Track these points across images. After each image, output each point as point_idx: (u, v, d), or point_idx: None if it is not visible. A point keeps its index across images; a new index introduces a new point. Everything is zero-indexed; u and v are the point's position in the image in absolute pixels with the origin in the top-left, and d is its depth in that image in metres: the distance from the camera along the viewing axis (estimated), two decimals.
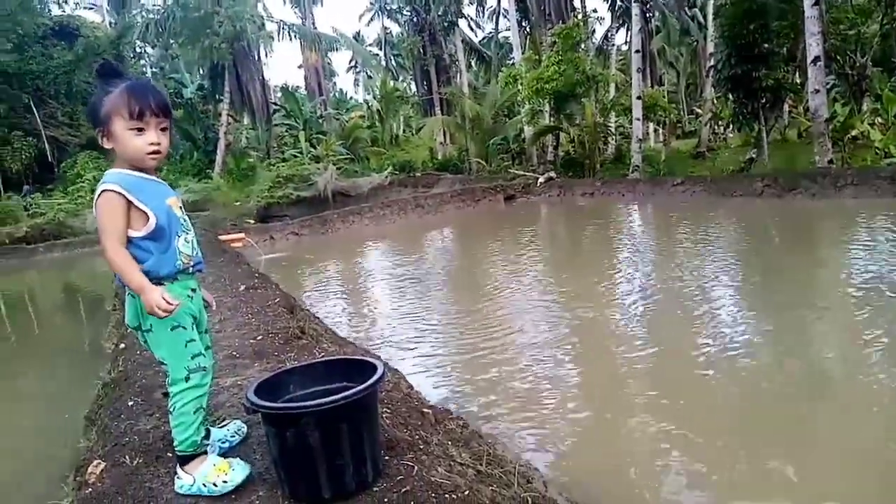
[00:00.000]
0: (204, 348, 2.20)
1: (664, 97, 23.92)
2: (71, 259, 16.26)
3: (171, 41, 28.09)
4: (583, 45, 20.48)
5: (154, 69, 36.31)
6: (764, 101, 15.12)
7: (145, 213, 2.02)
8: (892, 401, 3.64)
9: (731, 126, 20.82)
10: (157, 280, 2.05)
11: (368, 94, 47.70)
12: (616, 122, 24.76)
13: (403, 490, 2.04)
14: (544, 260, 9.80)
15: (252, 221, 18.10)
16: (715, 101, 22.97)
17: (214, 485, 2.07)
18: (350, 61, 54.07)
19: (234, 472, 2.11)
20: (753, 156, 16.16)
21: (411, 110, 41.86)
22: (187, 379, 2.10)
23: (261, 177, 21.29)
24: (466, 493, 2.11)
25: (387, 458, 2.26)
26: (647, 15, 25.78)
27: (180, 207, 2.19)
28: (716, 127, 25.13)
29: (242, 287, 5.99)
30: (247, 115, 31.20)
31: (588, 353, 4.95)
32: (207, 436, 2.32)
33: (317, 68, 33.68)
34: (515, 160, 24.82)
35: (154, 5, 29.33)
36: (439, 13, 30.21)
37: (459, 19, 32.18)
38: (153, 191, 2.09)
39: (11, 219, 19.66)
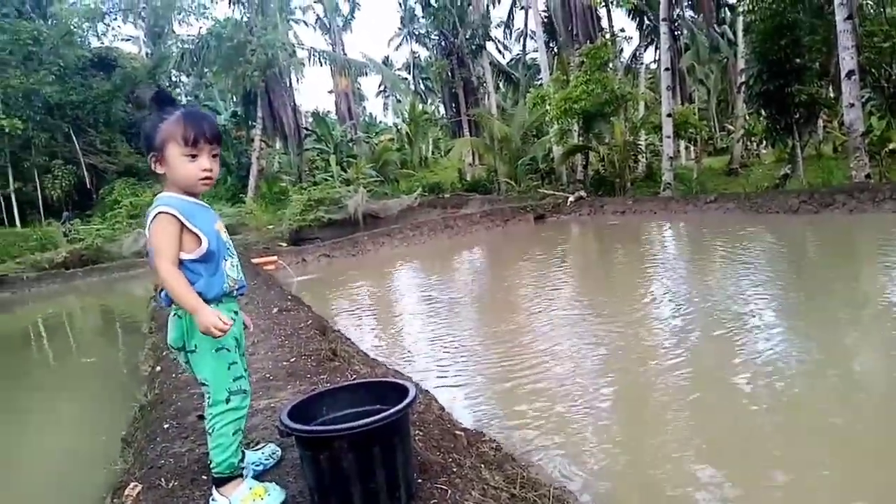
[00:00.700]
0: (244, 370, 2.23)
1: (695, 114, 23.74)
2: (108, 283, 16.61)
3: (206, 70, 28.81)
4: (611, 65, 20.48)
5: (189, 97, 37.22)
6: (797, 116, 14.90)
7: (198, 237, 2.09)
8: None
9: (764, 142, 20.57)
10: (204, 300, 2.08)
11: (397, 117, 48.17)
12: (646, 139, 24.61)
13: None
14: (576, 279, 9.72)
15: (284, 244, 18.31)
16: (747, 118, 22.72)
17: None
18: (379, 85, 54.71)
19: (270, 497, 2.12)
20: (788, 172, 15.90)
21: (440, 132, 42.21)
22: (228, 401, 2.13)
23: (292, 200, 21.56)
24: None
25: (420, 480, 2.24)
26: (676, 33, 25.68)
27: (225, 232, 2.27)
28: (748, 143, 24.85)
29: (275, 309, 6.04)
30: (279, 141, 31.78)
31: (623, 376, 4.87)
32: (242, 458, 2.33)
33: (347, 93, 34.20)
34: (545, 180, 24.77)
35: (189, 36, 30.19)
36: (467, 37, 30.53)
37: (487, 42, 32.48)
38: (204, 215, 2.16)
39: (51, 245, 20.17)
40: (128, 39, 36.71)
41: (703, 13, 25.47)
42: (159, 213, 2.05)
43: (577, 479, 3.24)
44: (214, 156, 2.16)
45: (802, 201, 12.57)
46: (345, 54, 34.21)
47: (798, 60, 14.25)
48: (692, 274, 8.85)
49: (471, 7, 30.80)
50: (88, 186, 26.41)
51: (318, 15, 35.82)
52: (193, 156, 2.10)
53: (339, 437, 1.95)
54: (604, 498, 3.09)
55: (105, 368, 7.37)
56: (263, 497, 2.11)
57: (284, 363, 3.94)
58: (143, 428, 3.36)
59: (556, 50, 28.30)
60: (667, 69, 18.78)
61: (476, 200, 22.82)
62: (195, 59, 27.29)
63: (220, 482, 2.15)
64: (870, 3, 18.07)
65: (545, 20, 25.66)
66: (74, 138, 25.97)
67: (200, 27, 28.63)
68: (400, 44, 41.52)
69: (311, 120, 37.34)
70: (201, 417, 2.97)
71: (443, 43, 32.73)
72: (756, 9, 14.89)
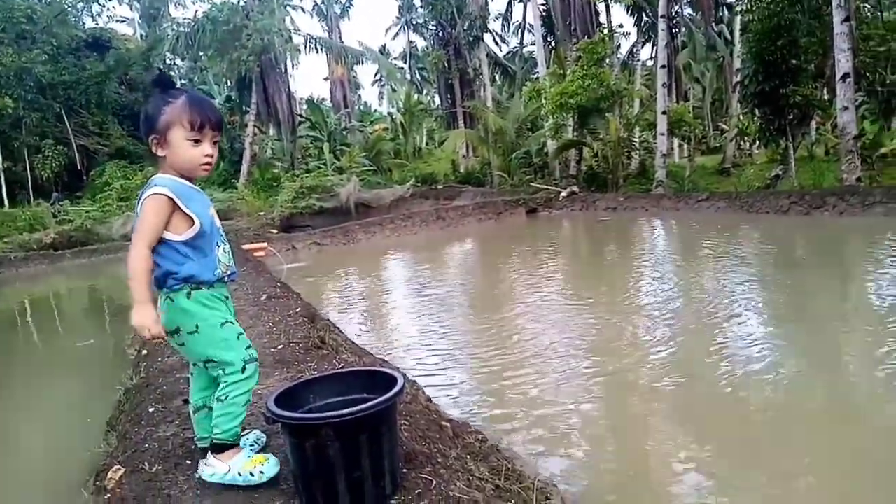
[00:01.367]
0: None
1: (689, 112, 23.76)
2: (97, 265, 16.50)
3: (201, 54, 28.61)
4: (608, 60, 20.45)
5: (183, 81, 36.92)
6: (791, 117, 14.95)
7: (190, 219, 2.10)
8: None
9: (757, 142, 20.62)
10: (197, 284, 2.11)
11: (392, 106, 48.02)
12: (640, 136, 24.65)
13: None
14: (565, 274, 9.74)
15: (275, 231, 18.26)
16: (741, 117, 22.78)
17: (251, 474, 2.12)
18: (375, 74, 54.54)
19: (269, 466, 2.15)
20: (780, 172, 15.97)
21: (434, 123, 42.14)
22: (244, 370, 2.16)
23: (284, 187, 21.48)
24: None
25: (405, 470, 2.23)
26: (673, 30, 25.68)
27: (217, 218, 2.28)
28: (741, 143, 24.93)
29: (264, 296, 6.02)
30: (272, 127, 31.61)
31: (610, 369, 4.88)
32: (242, 430, 2.34)
33: (342, 81, 34.03)
34: (538, 174, 24.80)
35: (184, 18, 30.01)
36: (465, 28, 30.42)
37: (484, 34, 32.36)
38: (200, 200, 2.18)
39: (40, 225, 20.02)
40: (122, 21, 36.46)
41: (702, 11, 25.48)
42: (154, 193, 2.05)
43: (562, 472, 3.26)
44: (215, 142, 2.18)
45: (793, 202, 12.64)
46: (341, 42, 34.03)
47: (794, 61, 14.28)
48: (680, 272, 8.87)
49: None
50: (79, 168, 26.17)
51: (315, 1, 35.60)
52: (197, 140, 2.11)
53: (325, 425, 1.95)
54: (588, 490, 3.10)
55: (91, 351, 7.33)
56: (264, 464, 2.15)
57: (272, 350, 3.92)
58: (127, 411, 3.34)
59: (553, 44, 28.23)
60: (663, 66, 18.80)
61: (469, 192, 22.82)
62: (190, 42, 27.07)
63: (220, 449, 2.17)
64: (867, 6, 18.15)
65: (543, 14, 25.59)
66: (66, 119, 25.71)
67: (196, 10, 28.56)
68: (397, 33, 41.42)
69: (305, 107, 37.20)
70: (186, 402, 2.96)
71: (440, 33, 32.61)
72: (754, 8, 14.90)
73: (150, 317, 2.02)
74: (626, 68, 30.05)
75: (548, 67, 23.49)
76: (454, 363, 5.36)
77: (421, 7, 34.93)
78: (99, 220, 19.72)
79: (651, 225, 14.50)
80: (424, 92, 46.64)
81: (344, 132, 32.53)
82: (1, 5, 23.40)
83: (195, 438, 2.34)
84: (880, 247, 9.07)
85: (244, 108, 29.30)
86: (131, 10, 35.98)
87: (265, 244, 13.86)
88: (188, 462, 2.39)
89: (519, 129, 24.62)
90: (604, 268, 10.33)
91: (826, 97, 15.77)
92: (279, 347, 3.98)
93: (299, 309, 5.42)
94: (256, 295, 6.01)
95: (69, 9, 26.77)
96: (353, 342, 5.15)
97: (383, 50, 46.84)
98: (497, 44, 39.24)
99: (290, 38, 29.32)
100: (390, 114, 46.09)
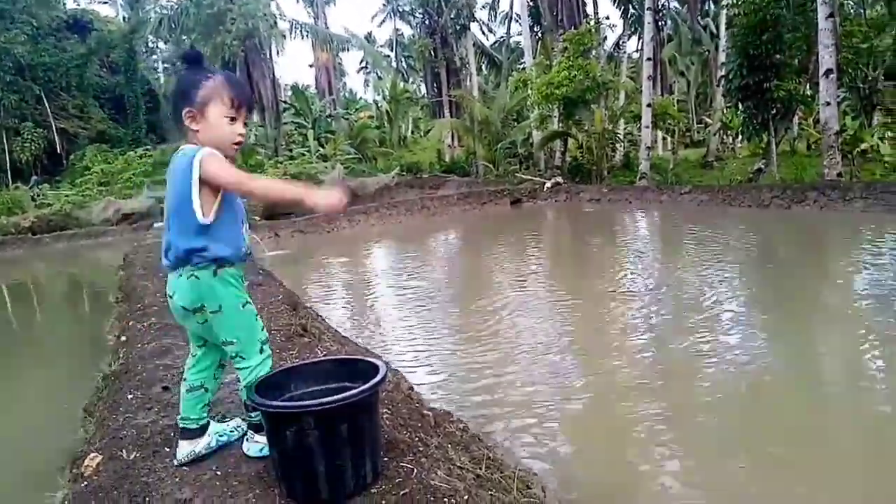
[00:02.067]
0: None
1: (674, 106, 23.87)
2: (76, 250, 16.30)
3: (184, 37, 28.15)
4: (594, 52, 20.46)
5: (166, 64, 36.44)
6: (774, 112, 15.07)
7: (217, 197, 2.11)
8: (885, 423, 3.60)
9: (740, 136, 20.75)
10: (223, 261, 2.14)
11: (378, 94, 47.69)
12: (625, 129, 24.72)
13: (402, 493, 2.02)
14: (548, 264, 9.77)
15: (258, 218, 18.09)
16: (725, 111, 22.89)
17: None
18: (361, 61, 54.11)
19: None
20: (762, 166, 16.08)
21: (420, 112, 41.91)
22: (261, 351, 2.23)
23: (268, 174, 21.29)
24: (466, 497, 2.09)
25: (386, 459, 2.23)
26: (660, 23, 25.73)
27: None
28: (725, 137, 25.04)
29: (246, 283, 5.96)
30: (256, 113, 31.22)
31: (590, 360, 4.91)
32: (207, 427, 2.33)
33: (327, 68, 33.76)
34: (523, 164, 24.81)
35: (168, 1, 29.50)
36: (451, 16, 30.26)
37: (471, 23, 32.24)
38: None
39: (18, 209, 19.71)
40: (105, 2, 35.91)
41: (688, 5, 25.56)
42: (211, 153, 2.06)
43: (542, 461, 3.27)
44: (245, 123, 2.23)
45: (774, 196, 12.76)
46: (327, 28, 33.72)
47: (778, 56, 14.37)
48: (663, 264, 8.94)
49: None
50: (59, 151, 25.74)
51: None
52: (233, 119, 2.15)
53: (306, 414, 1.94)
54: (569, 480, 3.12)
55: (69, 337, 7.24)
56: None
57: (267, 335, 3.89)
58: (105, 398, 3.30)
59: (540, 34, 28.18)
60: (649, 59, 18.83)
61: (453, 182, 22.78)
62: (173, 25, 26.66)
63: (258, 428, 2.25)
64: (850, 2, 18.31)
65: (530, 4, 25.50)
66: (46, 101, 25.27)
67: None
68: (383, 20, 41.05)
69: (290, 93, 36.84)
70: (166, 388, 2.94)
71: (427, 21, 32.41)
72: (739, 3, 14.94)
73: (328, 193, 2.08)
74: (612, 60, 30.08)
75: (534, 58, 23.45)
76: (437, 353, 5.36)
77: None
78: (78, 204, 19.47)
79: (634, 217, 14.57)
80: (410, 80, 46.36)
81: (328, 119, 32.31)
82: None
83: (179, 418, 2.31)
84: (859, 241, 9.20)
85: None
86: None
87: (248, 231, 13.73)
88: (167, 449, 2.38)
89: (505, 120, 24.58)
90: (587, 259, 10.37)
91: (809, 93, 15.88)
92: None
93: (281, 296, 5.39)
94: None
95: None
96: (335, 331, 5.13)
97: (369, 37, 46.52)
98: (484, 33, 39.15)
99: (276, 22, 28.95)
100: (375, 102, 45.74)
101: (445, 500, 2.02)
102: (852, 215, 10.99)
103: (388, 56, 44.28)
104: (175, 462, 2.26)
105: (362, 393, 1.97)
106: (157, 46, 34.85)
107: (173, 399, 2.82)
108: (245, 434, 2.38)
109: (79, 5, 29.91)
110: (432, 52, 31.60)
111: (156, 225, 16.48)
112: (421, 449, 2.45)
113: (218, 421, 2.49)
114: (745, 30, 14.56)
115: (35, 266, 15.07)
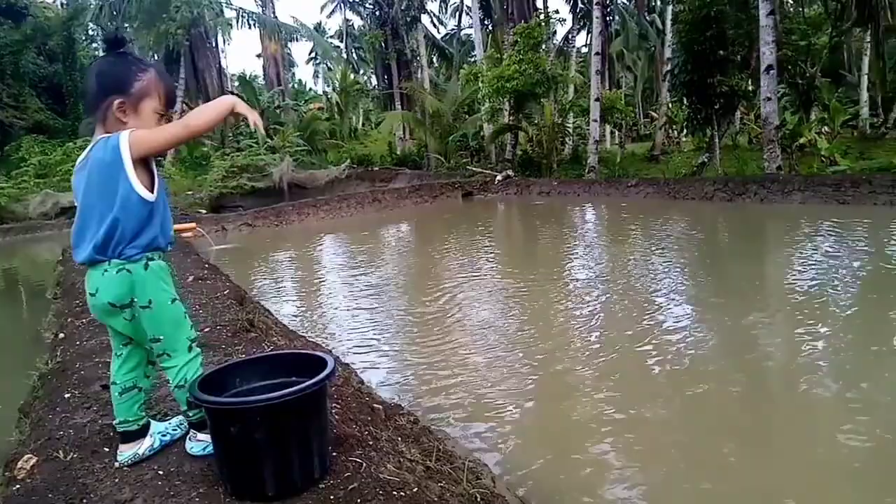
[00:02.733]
0: None
1: (621, 100, 24.25)
2: (12, 245, 15.63)
3: (126, 25, 27.19)
4: (544, 46, 20.62)
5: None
6: (717, 106, 15.49)
7: (152, 176, 2.04)
8: (828, 408, 3.74)
9: (684, 130, 21.26)
10: (153, 254, 2.07)
11: (328, 86, 47.22)
12: (574, 123, 25.04)
13: (350, 487, 2.00)
14: (499, 256, 9.82)
15: (204, 211, 17.70)
16: (670, 106, 23.43)
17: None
18: (310, 52, 53.43)
19: None
20: (705, 160, 16.52)
21: (371, 104, 41.59)
22: (190, 349, 2.18)
23: (214, 166, 20.80)
24: (415, 489, 2.08)
25: (335, 454, 2.21)
26: (608, 18, 26.09)
27: None
28: (670, 131, 25.64)
29: (191, 278, 5.84)
30: (202, 103, 30.50)
31: (539, 349, 4.96)
32: (148, 428, 2.25)
33: (276, 58, 33.10)
34: (474, 157, 24.89)
35: None
36: (402, 8, 30.06)
37: (422, 15, 32.15)
38: None
39: None
40: None
41: (636, 0, 25.97)
42: (131, 130, 1.98)
43: (492, 452, 3.29)
44: (169, 119, 2.16)
45: (717, 189, 13.13)
46: (275, 17, 33.07)
47: (721, 52, 14.75)
48: (609, 255, 9.09)
49: None
50: None
51: None
52: (161, 115, 2.09)
53: (250, 410, 1.90)
54: (518, 469, 3.14)
55: (4, 335, 6.95)
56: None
57: (198, 333, 3.80)
58: (42, 397, 3.17)
59: (490, 27, 28.29)
60: (597, 53, 19.07)
61: (405, 175, 22.69)
62: (115, 12, 25.73)
63: (201, 426, 2.21)
64: (790, 1, 18.91)
65: None
66: None
67: None
68: (333, 10, 40.55)
69: (237, 84, 36.08)
70: (105, 387, 2.84)
71: (377, 13, 32.12)
72: None
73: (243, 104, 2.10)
74: (562, 54, 30.40)
75: (485, 51, 23.51)
76: (388, 346, 5.34)
77: None
78: (14, 197, 18.63)
79: (583, 209, 14.78)
80: (361, 72, 45.95)
81: (277, 111, 31.73)
82: None
83: (115, 423, 2.23)
84: (796, 232, 9.54)
85: None
86: None
87: (194, 224, 13.40)
88: (106, 449, 2.30)
89: (456, 113, 24.58)
90: (537, 251, 10.48)
91: (750, 88, 16.35)
92: (205, 331, 3.87)
93: (228, 291, 5.29)
94: (182, 276, 5.82)
95: None
96: (284, 325, 5.06)
97: (319, 27, 45.93)
98: (435, 25, 39.08)
99: (222, 11, 28.28)
100: (326, 93, 45.25)
101: (395, 492, 2.01)
102: (791, 207, 11.39)
103: (339, 47, 43.76)
104: (116, 464, 2.18)
105: (310, 387, 1.94)
106: (97, 34, 33.59)
107: None
108: (188, 432, 2.32)
109: None
110: (383, 44, 31.35)
111: None
112: (371, 442, 2.43)
113: (158, 420, 2.42)
114: (690, 26, 14.91)
115: None
